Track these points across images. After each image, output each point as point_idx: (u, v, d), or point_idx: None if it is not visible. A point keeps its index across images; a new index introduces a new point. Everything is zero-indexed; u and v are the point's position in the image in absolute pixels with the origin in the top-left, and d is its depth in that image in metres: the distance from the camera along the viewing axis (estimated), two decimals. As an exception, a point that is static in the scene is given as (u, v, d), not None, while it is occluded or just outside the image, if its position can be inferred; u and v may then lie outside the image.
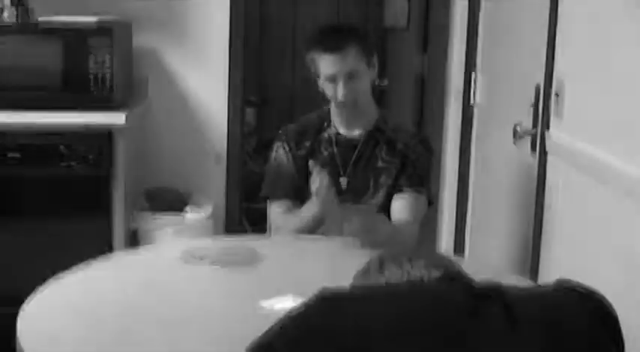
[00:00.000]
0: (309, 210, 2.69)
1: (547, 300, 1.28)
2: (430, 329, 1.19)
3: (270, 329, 1.26)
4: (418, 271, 1.32)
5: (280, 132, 2.88)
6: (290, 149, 2.82)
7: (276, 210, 2.81)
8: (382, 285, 1.28)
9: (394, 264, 1.35)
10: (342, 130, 2.80)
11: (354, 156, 2.77)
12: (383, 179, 2.75)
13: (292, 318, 1.25)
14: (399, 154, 2.76)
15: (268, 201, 2.84)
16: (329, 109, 2.85)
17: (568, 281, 1.35)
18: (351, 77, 2.68)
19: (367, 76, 2.74)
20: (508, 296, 1.26)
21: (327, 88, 2.73)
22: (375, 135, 2.79)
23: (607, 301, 1.31)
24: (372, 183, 2.75)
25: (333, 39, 2.71)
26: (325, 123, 2.83)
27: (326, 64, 2.68)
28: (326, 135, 2.81)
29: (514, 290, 1.30)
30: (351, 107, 2.74)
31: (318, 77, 2.76)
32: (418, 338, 1.18)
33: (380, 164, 2.76)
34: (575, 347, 1.23)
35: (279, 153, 2.83)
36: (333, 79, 2.69)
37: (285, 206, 2.79)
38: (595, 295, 1.31)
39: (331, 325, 1.20)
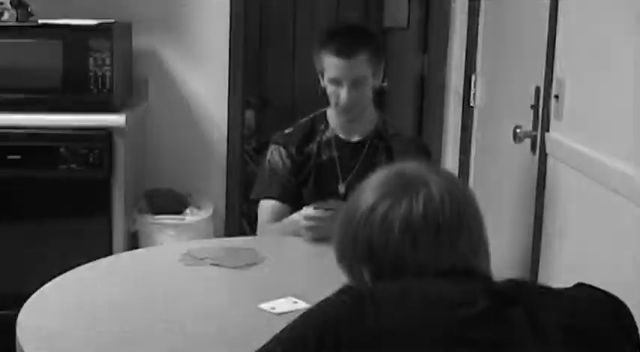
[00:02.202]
0: (292, 223, 2.61)
1: (569, 305, 1.28)
2: (450, 332, 1.19)
3: (290, 324, 1.27)
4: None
5: (276, 136, 2.83)
6: (288, 155, 2.76)
7: (264, 216, 2.74)
8: (404, 285, 1.28)
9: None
10: (341, 134, 2.78)
11: (355, 163, 2.74)
12: None
13: (314, 312, 1.26)
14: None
15: (260, 202, 2.79)
16: (325, 112, 2.83)
17: (587, 285, 1.35)
18: (355, 84, 2.65)
19: (371, 83, 2.71)
20: (530, 298, 1.26)
21: (329, 89, 2.70)
22: (375, 142, 2.77)
23: (626, 305, 1.31)
24: None
25: (345, 43, 2.65)
26: (322, 126, 2.79)
27: (333, 67, 2.65)
28: (325, 138, 2.78)
29: (536, 292, 1.30)
30: (350, 113, 2.71)
31: (322, 76, 2.73)
32: (438, 341, 1.18)
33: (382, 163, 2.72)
34: None
35: (275, 156, 2.78)
36: (337, 83, 2.66)
37: (274, 210, 2.72)
38: (617, 300, 1.31)
39: (350, 323, 1.20)
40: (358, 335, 1.18)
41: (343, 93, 2.65)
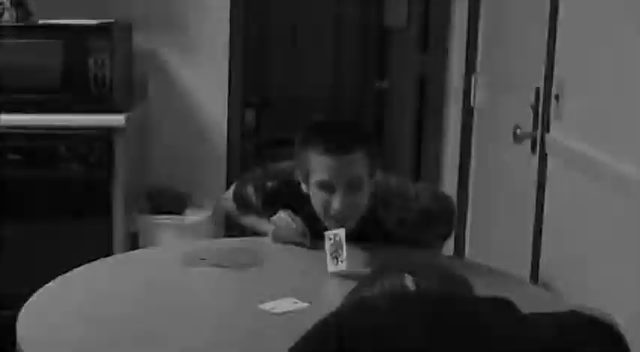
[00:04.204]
0: (265, 227, 2.50)
1: (567, 331, 1.28)
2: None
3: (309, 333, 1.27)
4: (412, 284, 1.33)
5: (256, 184, 2.52)
6: (263, 208, 2.51)
7: (230, 203, 2.63)
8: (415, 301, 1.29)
9: (393, 277, 1.35)
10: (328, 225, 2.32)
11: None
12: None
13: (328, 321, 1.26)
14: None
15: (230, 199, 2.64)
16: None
17: (583, 310, 1.34)
18: (351, 188, 2.21)
19: (368, 188, 2.26)
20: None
21: (317, 196, 2.26)
22: (367, 227, 2.32)
23: (620, 330, 1.30)
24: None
25: (337, 138, 2.22)
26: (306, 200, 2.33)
27: (323, 168, 2.20)
28: (310, 213, 2.34)
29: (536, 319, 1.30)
30: (342, 224, 2.23)
31: (306, 181, 2.28)
32: None
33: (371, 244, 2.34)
34: None
35: (250, 192, 2.54)
36: (328, 188, 2.22)
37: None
38: (611, 325, 1.31)
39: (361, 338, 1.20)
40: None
41: (336, 200, 2.22)
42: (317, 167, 2.22)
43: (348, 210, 2.24)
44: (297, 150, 2.29)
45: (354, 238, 2.27)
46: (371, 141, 2.31)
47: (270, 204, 2.48)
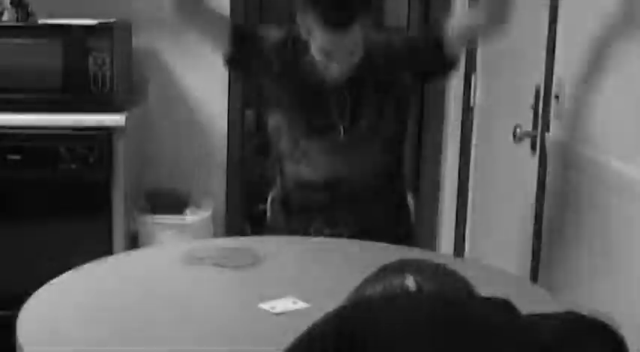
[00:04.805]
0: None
1: (566, 332, 1.27)
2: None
3: (304, 334, 1.27)
4: (413, 283, 1.34)
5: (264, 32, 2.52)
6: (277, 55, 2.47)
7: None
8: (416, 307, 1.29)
9: (395, 277, 1.36)
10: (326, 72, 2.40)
11: (346, 105, 2.41)
12: (381, 112, 2.41)
13: (325, 323, 1.26)
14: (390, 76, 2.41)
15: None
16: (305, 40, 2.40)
17: (581, 311, 1.34)
18: (350, 54, 2.34)
19: (362, 45, 2.35)
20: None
21: (315, 53, 2.35)
22: (363, 74, 2.40)
23: (618, 332, 1.30)
24: (373, 123, 2.43)
25: (336, 14, 2.25)
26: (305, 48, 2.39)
27: (323, 39, 2.29)
28: (309, 62, 2.39)
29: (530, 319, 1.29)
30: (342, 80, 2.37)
31: (306, 32, 2.36)
32: None
33: (373, 98, 2.42)
34: None
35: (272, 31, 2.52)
36: (327, 55, 2.33)
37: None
38: (610, 325, 1.31)
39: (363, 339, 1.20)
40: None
41: (334, 67, 2.35)
42: (317, 36, 2.30)
43: (346, 73, 2.34)
44: (299, 8, 2.33)
45: (348, 87, 2.39)
46: (368, 8, 2.35)
47: (278, 51, 2.47)
